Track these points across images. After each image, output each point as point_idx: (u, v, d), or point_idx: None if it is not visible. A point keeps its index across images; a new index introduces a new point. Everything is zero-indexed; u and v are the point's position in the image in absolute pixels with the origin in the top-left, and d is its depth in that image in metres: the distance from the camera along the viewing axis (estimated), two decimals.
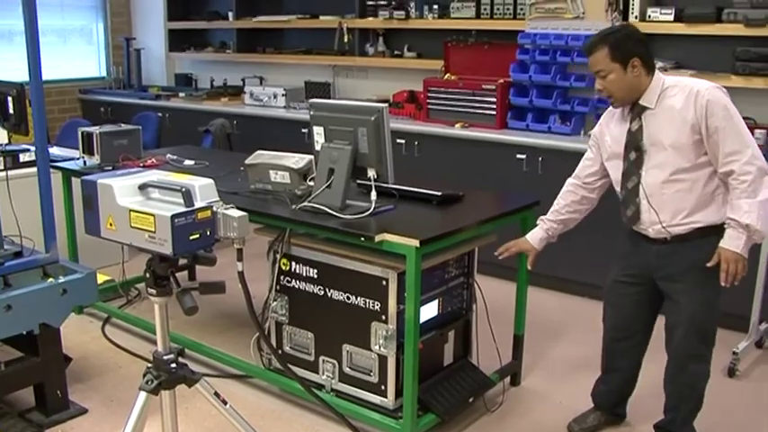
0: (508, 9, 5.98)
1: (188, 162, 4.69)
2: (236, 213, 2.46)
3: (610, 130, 3.32)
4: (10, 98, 4.18)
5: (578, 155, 5.08)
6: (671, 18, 5.18)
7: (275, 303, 3.83)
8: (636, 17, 5.28)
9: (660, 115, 3.10)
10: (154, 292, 2.64)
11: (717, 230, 3.08)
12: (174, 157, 4.79)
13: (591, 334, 4.73)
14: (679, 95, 3.06)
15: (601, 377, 3.72)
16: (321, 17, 7.22)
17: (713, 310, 3.24)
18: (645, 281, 3.35)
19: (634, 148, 3.18)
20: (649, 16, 5.25)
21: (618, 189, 3.31)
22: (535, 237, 3.59)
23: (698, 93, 3.02)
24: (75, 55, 8.94)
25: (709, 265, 3.07)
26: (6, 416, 3.73)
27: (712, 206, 3.11)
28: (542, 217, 3.62)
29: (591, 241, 5.07)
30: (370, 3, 6.86)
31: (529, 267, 3.67)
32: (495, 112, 5.83)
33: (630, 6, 5.29)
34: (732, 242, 3.02)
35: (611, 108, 3.32)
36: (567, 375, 4.29)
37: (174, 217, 2.36)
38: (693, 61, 5.32)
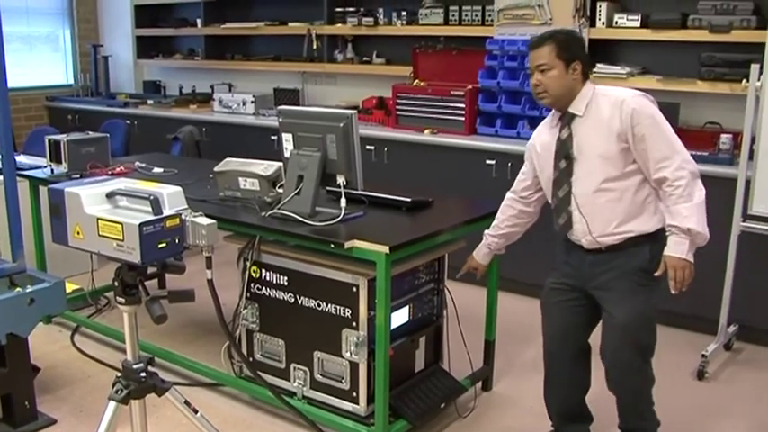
0: (476, 15, 6.02)
1: (157, 170, 4.67)
2: (204, 221, 2.45)
3: (541, 139, 3.31)
4: None
5: None
6: (637, 24, 5.25)
7: (246, 311, 3.82)
8: (603, 23, 5.34)
9: (588, 124, 3.09)
10: (122, 300, 2.62)
11: (649, 239, 3.08)
12: (143, 165, 4.76)
13: None
14: (606, 105, 3.06)
15: (546, 389, 3.55)
16: (290, 24, 7.22)
17: (647, 320, 3.18)
18: (579, 289, 3.29)
19: (564, 156, 3.15)
20: (616, 22, 5.32)
21: (549, 198, 3.30)
22: (480, 252, 3.66)
23: (623, 102, 3.01)
24: (42, 62, 8.86)
25: (656, 274, 3.04)
26: None
27: (644, 215, 3.09)
28: (486, 232, 3.63)
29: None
30: (339, 9, 6.87)
31: (478, 277, 3.75)
32: (463, 118, 5.86)
33: (597, 12, 5.36)
34: (677, 248, 2.98)
35: (544, 122, 3.34)
36: (538, 380, 4.26)
37: (142, 225, 2.35)
38: (659, 67, 5.40)
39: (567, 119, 3.14)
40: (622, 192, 3.06)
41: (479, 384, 4.14)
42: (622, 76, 5.29)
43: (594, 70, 5.40)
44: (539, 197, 3.45)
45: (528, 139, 5.46)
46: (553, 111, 3.24)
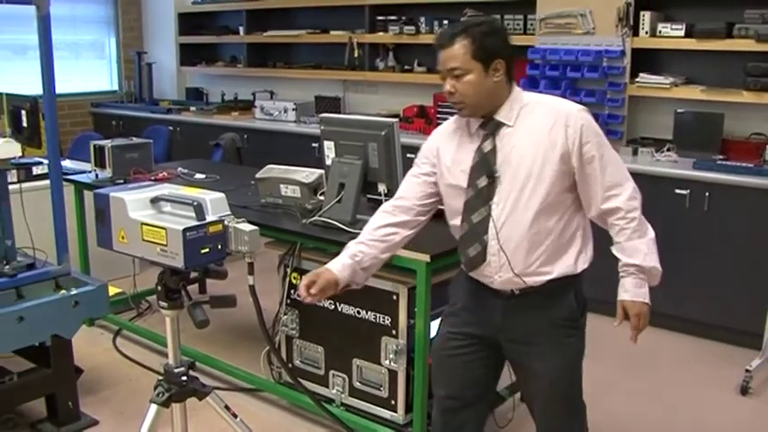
0: (518, 24, 6.01)
1: (199, 176, 4.72)
2: (247, 227, 2.47)
3: (450, 147, 2.68)
4: (23, 111, 4.22)
5: None
6: (681, 33, 5.20)
7: (286, 317, 3.84)
8: (646, 32, 5.29)
9: (520, 136, 2.52)
10: (165, 305, 2.65)
11: (573, 282, 2.63)
12: (185, 171, 4.81)
13: (600, 349, 4.73)
14: (543, 115, 2.52)
15: None
16: (331, 32, 7.26)
17: (576, 374, 2.76)
18: (487, 342, 2.71)
19: (486, 173, 2.54)
20: (660, 32, 5.27)
21: (456, 222, 2.67)
22: (336, 263, 2.70)
23: (568, 115, 2.49)
24: (88, 69, 9.01)
25: (615, 324, 2.64)
26: (18, 426, 3.75)
27: (570, 252, 2.60)
28: (351, 242, 2.77)
29: (603, 254, 5.08)
30: (380, 18, 6.90)
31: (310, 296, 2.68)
32: None
33: (641, 22, 5.31)
34: (638, 292, 2.55)
35: (449, 120, 2.76)
36: None
37: (185, 230, 2.38)
38: (704, 77, 5.33)
39: (491, 128, 2.56)
40: (554, 222, 2.54)
41: (518, 395, 4.11)
42: (665, 86, 5.24)
43: (637, 80, 5.37)
44: (426, 218, 2.81)
45: None
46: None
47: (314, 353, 3.81)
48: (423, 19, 6.61)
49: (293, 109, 7.28)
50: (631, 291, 2.56)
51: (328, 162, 3.61)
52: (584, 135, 2.48)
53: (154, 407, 2.74)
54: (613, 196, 2.53)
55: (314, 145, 6.41)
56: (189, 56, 8.73)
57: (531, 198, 2.50)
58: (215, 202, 2.50)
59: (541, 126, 2.51)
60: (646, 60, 5.42)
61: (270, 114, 7.41)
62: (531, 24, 5.89)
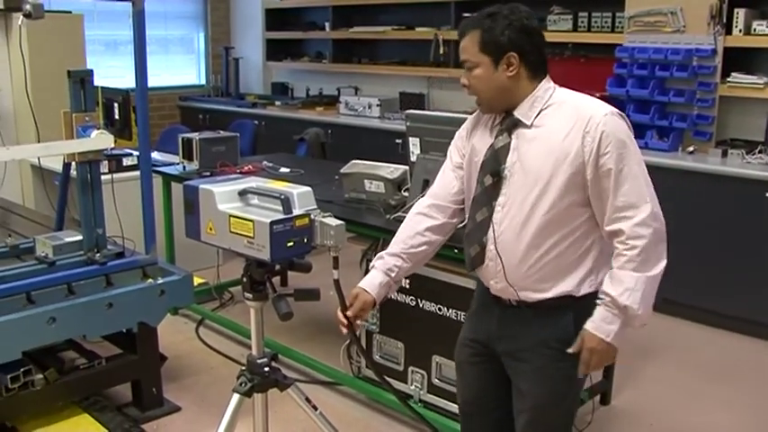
0: (606, 22, 5.90)
1: (283, 169, 4.77)
2: (333, 222, 2.48)
3: (476, 136, 2.51)
4: (116, 104, 4.34)
5: (676, 172, 5.04)
6: None
7: None
8: (740, 30, 5.14)
9: (536, 137, 2.31)
10: (250, 296, 2.68)
11: (575, 303, 2.35)
12: (270, 165, 4.87)
13: (684, 356, 4.64)
14: (564, 116, 2.29)
15: None
16: (417, 29, 7.26)
17: (564, 402, 2.49)
18: (490, 351, 2.55)
19: (491, 170, 2.37)
20: (755, 29, 5.11)
21: (466, 217, 2.54)
22: (373, 281, 2.55)
23: (590, 119, 2.24)
24: (176, 63, 9.22)
25: (570, 351, 2.32)
26: (105, 409, 3.85)
27: (577, 272, 2.35)
28: (382, 253, 2.60)
29: (689, 259, 4.96)
30: (466, 14, 6.81)
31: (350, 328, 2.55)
32: None
33: (734, 19, 5.16)
34: (603, 327, 2.25)
35: (479, 114, 2.55)
36: (659, 397, 4.19)
37: (272, 223, 2.40)
38: None
39: (507, 124, 2.37)
40: (560, 238, 2.31)
41: (598, 398, 4.05)
42: (759, 86, 5.09)
43: (728, 80, 5.22)
44: (457, 221, 2.64)
45: (656, 150, 5.41)
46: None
47: (394, 348, 3.81)
48: None
49: (377, 105, 7.30)
50: (596, 322, 2.27)
51: (413, 158, 3.60)
52: (602, 144, 2.21)
53: (236, 396, 2.77)
54: (623, 218, 2.24)
55: (397, 141, 6.40)
56: (275, 51, 8.83)
57: (535, 208, 2.30)
58: (302, 196, 2.52)
59: (559, 130, 2.28)
60: (738, 59, 5.26)
61: (354, 110, 7.45)
62: (620, 22, 5.78)
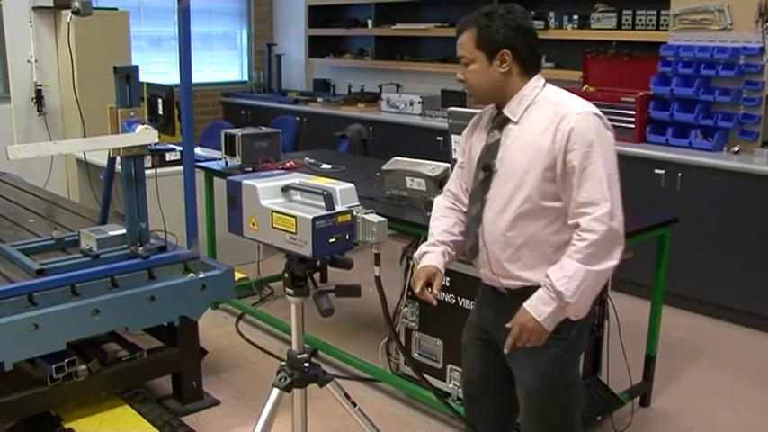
0: (651, 20, 5.84)
1: (325, 166, 4.78)
2: (375, 218, 2.48)
3: (474, 135, 2.67)
4: (160, 100, 4.38)
5: (720, 172, 4.98)
6: None
7: (406, 309, 3.86)
8: None
9: (520, 134, 2.45)
10: (291, 292, 2.69)
11: None
12: (312, 161, 4.89)
13: (727, 359, 4.58)
14: (544, 113, 2.41)
15: None
16: None
17: (557, 388, 2.57)
18: (491, 337, 2.67)
19: (483, 166, 2.53)
20: None
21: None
22: (436, 258, 2.65)
23: (563, 117, 2.35)
24: (219, 60, 9.28)
25: (507, 325, 2.43)
26: (146, 401, 3.90)
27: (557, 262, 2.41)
28: (433, 240, 2.71)
29: (734, 261, 4.90)
30: None
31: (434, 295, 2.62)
32: (633, 126, 5.69)
33: None
34: (537, 306, 2.36)
35: (483, 111, 2.68)
36: (699, 400, 4.14)
37: (315, 219, 2.40)
38: None
39: (499, 121, 2.52)
40: (541, 228, 2.44)
41: (637, 399, 4.01)
42: None
43: None
44: None
45: (700, 149, 5.34)
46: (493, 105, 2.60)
47: (433, 346, 3.81)
48: (552, 14, 6.50)
49: (419, 102, 7.28)
50: (533, 301, 2.39)
51: (455, 156, 3.59)
52: (570, 141, 2.33)
53: (276, 391, 2.79)
54: (582, 214, 2.34)
55: (438, 138, 6.40)
56: (317, 48, 8.85)
57: (511, 201, 2.44)
58: (344, 193, 2.52)
59: (537, 126, 2.41)
60: None
61: (396, 107, 7.45)
62: (665, 20, 5.71)
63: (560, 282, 2.32)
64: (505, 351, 2.46)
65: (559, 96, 2.46)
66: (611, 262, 2.34)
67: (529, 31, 2.48)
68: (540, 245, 2.45)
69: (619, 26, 6.00)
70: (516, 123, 2.46)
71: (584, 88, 6.13)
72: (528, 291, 2.43)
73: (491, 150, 2.52)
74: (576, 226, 2.35)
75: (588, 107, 2.39)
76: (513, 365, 2.59)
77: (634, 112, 5.68)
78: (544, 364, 2.51)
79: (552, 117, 2.38)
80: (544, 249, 2.45)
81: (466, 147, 2.70)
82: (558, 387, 2.57)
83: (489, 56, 2.43)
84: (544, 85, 2.49)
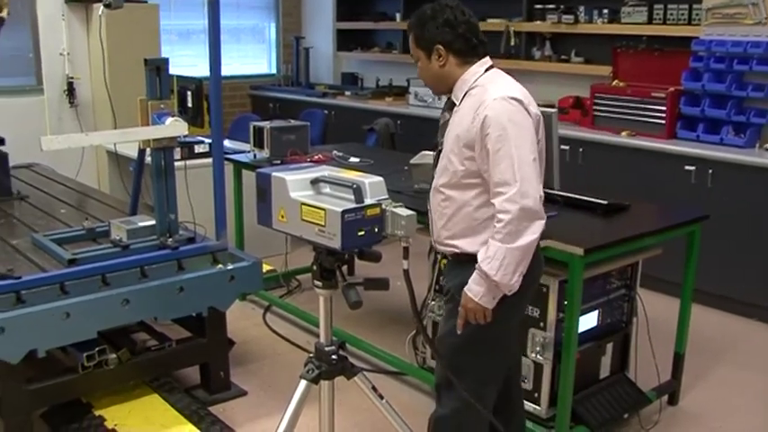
0: (683, 14, 5.78)
1: (353, 159, 4.79)
2: (404, 212, 2.49)
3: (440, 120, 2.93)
4: (189, 93, 4.41)
5: (752, 169, 4.93)
6: None
7: (433, 303, 3.86)
8: None
9: (458, 115, 2.70)
10: (320, 284, 2.70)
11: (475, 261, 2.62)
12: (340, 154, 4.90)
13: (757, 359, 4.54)
14: (475, 97, 2.66)
15: None
16: (488, 20, 7.19)
17: (459, 345, 2.77)
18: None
19: (434, 144, 2.87)
20: None
21: None
22: None
23: (482, 103, 2.59)
24: (248, 53, 9.30)
25: (459, 308, 2.68)
26: (174, 390, 3.94)
27: (482, 234, 2.65)
28: None
29: (765, 259, 4.86)
30: (538, 6, 6.79)
31: None
32: (663, 121, 5.65)
33: None
34: (473, 288, 2.61)
35: None
36: (728, 399, 4.11)
37: (344, 212, 2.41)
38: None
39: (448, 104, 2.81)
40: (460, 203, 2.70)
41: (665, 398, 3.99)
42: None
43: None
44: None
45: (731, 146, 5.29)
46: None
47: None
48: (582, 8, 6.45)
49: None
50: (469, 284, 2.63)
51: None
52: (485, 126, 2.55)
53: (303, 382, 2.80)
54: (497, 194, 2.55)
55: None
56: (345, 41, 8.85)
57: (440, 176, 2.75)
58: (374, 186, 2.53)
59: (467, 108, 2.65)
60: None
61: (423, 101, 7.43)
62: (697, 14, 5.64)
63: (485, 262, 2.55)
64: (458, 331, 2.69)
65: (492, 81, 2.69)
66: (531, 236, 2.54)
67: (459, 23, 2.72)
68: (466, 218, 2.70)
69: (650, 20, 5.95)
70: (458, 106, 2.72)
71: (614, 83, 6.09)
72: (458, 257, 2.74)
73: (442, 130, 2.80)
74: (495, 207, 2.56)
75: (507, 92, 2.60)
76: (443, 318, 2.93)
77: (664, 108, 5.64)
78: (453, 323, 2.73)
79: (476, 102, 2.62)
80: (470, 222, 2.70)
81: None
82: (459, 344, 2.77)
83: (427, 53, 2.73)
84: (486, 71, 2.73)
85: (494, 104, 2.56)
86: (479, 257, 2.57)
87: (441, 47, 2.70)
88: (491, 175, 2.56)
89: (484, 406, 2.84)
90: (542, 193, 2.58)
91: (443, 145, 2.76)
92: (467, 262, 2.67)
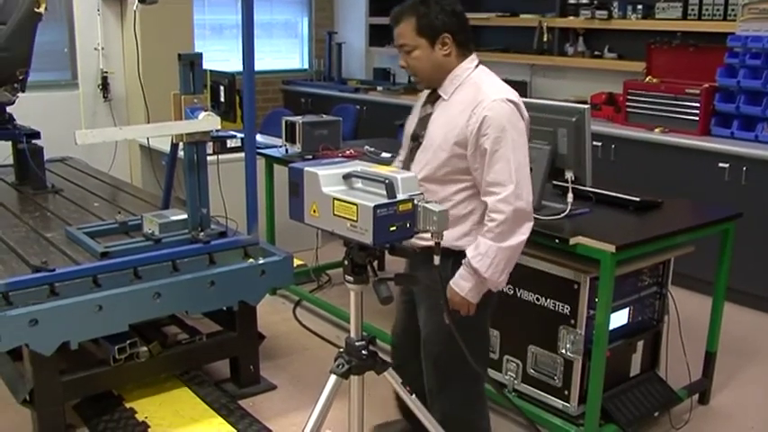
0: (718, 10, 5.72)
1: (385, 154, 4.78)
2: (436, 208, 2.47)
3: (414, 114, 2.96)
4: (222, 87, 4.44)
5: None
6: None
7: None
8: None
9: (446, 109, 2.73)
10: (351, 279, 2.69)
11: (453, 254, 2.72)
12: (372, 149, 4.90)
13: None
14: (467, 93, 2.68)
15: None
16: (521, 15, 7.18)
17: (449, 340, 2.71)
18: (410, 293, 3.06)
19: (413, 136, 2.85)
20: None
21: None
22: None
23: (479, 103, 2.62)
24: (280, 48, 9.33)
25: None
26: (204, 384, 3.96)
27: (458, 228, 2.73)
28: None
29: None
30: (572, 2, 6.76)
31: None
32: (697, 118, 5.59)
33: None
34: (459, 283, 2.69)
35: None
36: (759, 399, 4.07)
37: (376, 207, 2.40)
38: None
39: (432, 98, 2.81)
40: (450, 193, 2.73)
41: (696, 397, 3.95)
42: None
43: None
44: None
45: (767, 143, 5.22)
46: None
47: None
48: (615, 4, 6.41)
49: None
50: (456, 279, 2.70)
51: None
52: (483, 126, 2.58)
53: (333, 377, 2.79)
54: (490, 193, 2.61)
55: None
56: (378, 37, 8.84)
57: (423, 170, 2.72)
58: (406, 181, 2.51)
59: (459, 104, 2.67)
60: None
61: None
62: (733, 10, 5.59)
63: (476, 259, 2.62)
64: (447, 321, 2.61)
65: (484, 79, 2.72)
66: (521, 237, 2.63)
67: (462, 15, 2.78)
68: (452, 210, 2.65)
69: (684, 16, 5.90)
70: (446, 100, 2.73)
71: (648, 79, 6.04)
72: (430, 249, 2.55)
73: (422, 123, 2.80)
74: (487, 205, 2.62)
75: (504, 94, 2.63)
76: (420, 315, 2.95)
77: (698, 105, 5.58)
78: (439, 318, 2.72)
79: (471, 99, 2.63)
80: (453, 214, 2.63)
81: (407, 126, 2.95)
82: (450, 339, 2.67)
83: (431, 41, 2.70)
84: (476, 67, 2.76)
85: (493, 105, 2.60)
86: (469, 254, 2.64)
87: (448, 35, 2.71)
88: (484, 174, 2.62)
89: (482, 390, 2.98)
90: (532, 197, 2.68)
91: (424, 138, 2.77)
92: (447, 256, 2.65)
